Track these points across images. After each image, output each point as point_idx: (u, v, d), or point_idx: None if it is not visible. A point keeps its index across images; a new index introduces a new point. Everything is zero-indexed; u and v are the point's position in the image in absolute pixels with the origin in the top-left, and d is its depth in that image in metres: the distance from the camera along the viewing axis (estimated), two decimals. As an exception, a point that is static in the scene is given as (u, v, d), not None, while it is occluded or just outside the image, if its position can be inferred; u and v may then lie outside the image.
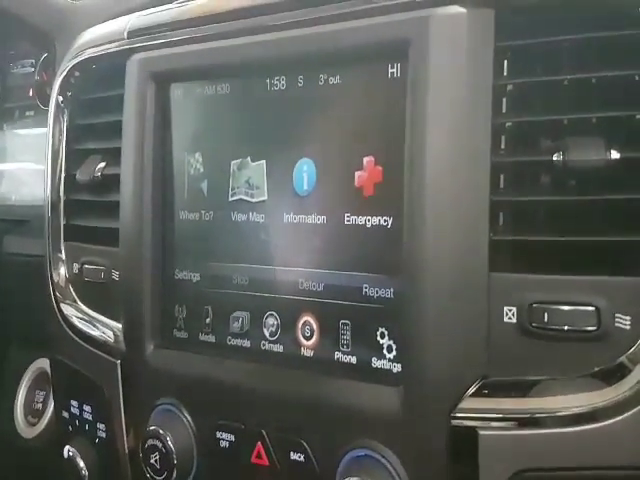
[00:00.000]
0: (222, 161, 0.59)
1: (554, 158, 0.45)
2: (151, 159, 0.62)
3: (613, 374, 0.43)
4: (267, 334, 0.56)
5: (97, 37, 0.72)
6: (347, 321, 0.52)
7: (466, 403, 0.46)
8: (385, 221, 0.50)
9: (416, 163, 0.47)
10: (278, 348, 0.56)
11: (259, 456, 0.54)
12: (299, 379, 0.53)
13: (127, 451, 0.64)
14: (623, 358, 0.42)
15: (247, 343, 0.57)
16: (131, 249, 0.63)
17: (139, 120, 0.63)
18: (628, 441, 0.41)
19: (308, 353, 0.54)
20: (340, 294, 0.52)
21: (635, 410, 0.41)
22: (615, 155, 0.43)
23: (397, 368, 0.49)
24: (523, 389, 0.45)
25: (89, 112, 0.73)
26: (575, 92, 0.46)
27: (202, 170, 0.60)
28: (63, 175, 0.73)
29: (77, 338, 0.69)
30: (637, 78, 0.44)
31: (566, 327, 0.43)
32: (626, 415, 0.41)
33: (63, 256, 0.73)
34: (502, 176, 0.47)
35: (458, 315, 0.46)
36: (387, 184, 0.50)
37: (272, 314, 0.56)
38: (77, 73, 0.74)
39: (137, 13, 0.68)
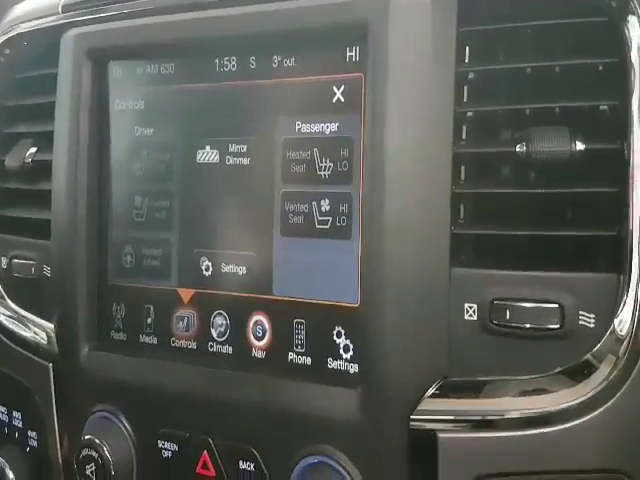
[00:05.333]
0: (165, 147, 0.55)
1: (517, 149, 0.43)
2: (86, 144, 0.57)
3: (578, 373, 0.41)
4: (215, 334, 0.53)
5: (29, 11, 0.67)
6: (302, 320, 0.49)
7: (425, 405, 0.44)
8: (343, 219, 0.47)
9: (375, 153, 0.45)
10: (227, 349, 0.52)
11: (205, 466, 0.50)
12: (249, 382, 0.49)
13: (61, 462, 0.59)
14: (588, 356, 0.41)
15: (193, 345, 0.53)
16: (64, 242, 0.58)
17: (74, 101, 0.57)
18: (594, 442, 0.40)
19: (260, 354, 0.51)
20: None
21: (600, 410, 0.40)
22: (580, 146, 0.42)
23: (354, 369, 0.47)
24: (484, 390, 0.43)
25: (20, 93, 0.67)
26: (538, 81, 0.44)
27: (143, 156, 0.56)
28: (-9, 161, 0.67)
29: (5, 339, 0.63)
30: (601, 68, 0.43)
31: (528, 325, 0.42)
32: (592, 415, 0.40)
33: (-10, 249, 0.67)
34: (464, 168, 0.45)
35: (418, 312, 0.44)
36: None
37: (221, 313, 0.52)
38: (7, 50, 0.68)
39: (73, -16, 0.63)
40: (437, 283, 0.44)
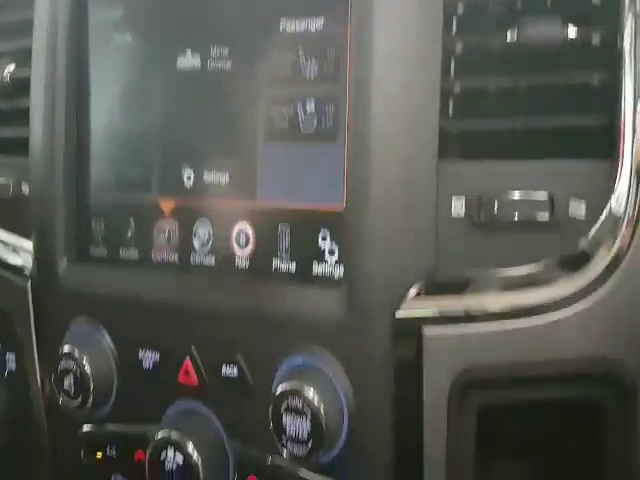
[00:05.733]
0: (145, 54, 0.53)
1: (508, 37, 0.42)
2: (65, 57, 0.55)
3: (571, 261, 0.40)
4: (197, 245, 0.51)
5: None
6: (286, 226, 0.48)
7: (411, 301, 0.43)
8: (328, 121, 0.46)
9: (362, 51, 0.43)
10: (210, 260, 0.51)
11: (187, 374, 0.49)
12: (232, 290, 0.48)
13: (39, 382, 0.57)
14: (581, 242, 0.40)
15: (175, 257, 0.52)
16: (42, 158, 0.56)
17: (52, 14, 0.55)
18: (587, 330, 0.39)
19: (243, 263, 0.50)
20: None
21: (593, 297, 0.39)
22: (571, 33, 0.41)
23: (339, 272, 0.46)
24: (472, 284, 0.42)
25: (-3, 10, 0.65)
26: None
27: (122, 66, 0.54)
28: (-33, 80, 0.65)
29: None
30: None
31: (517, 217, 0.41)
32: (584, 303, 0.39)
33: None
34: (453, 61, 0.44)
35: (404, 210, 0.43)
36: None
37: (203, 223, 0.51)
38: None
39: None
40: (425, 179, 0.43)
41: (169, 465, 0.46)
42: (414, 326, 0.42)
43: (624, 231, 0.38)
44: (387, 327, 0.43)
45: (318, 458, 0.43)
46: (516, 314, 0.40)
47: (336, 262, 0.46)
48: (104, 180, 0.55)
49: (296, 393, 0.43)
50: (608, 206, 0.39)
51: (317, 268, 0.47)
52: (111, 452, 0.53)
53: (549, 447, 0.46)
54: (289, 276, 0.48)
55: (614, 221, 0.39)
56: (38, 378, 0.57)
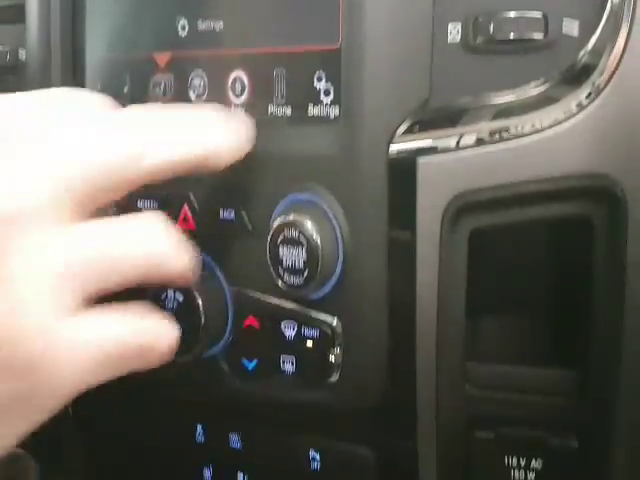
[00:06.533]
0: None
1: None
2: None
3: (570, 77, 0.40)
4: (193, 96, 0.51)
5: None
6: (282, 70, 0.48)
7: (405, 135, 0.42)
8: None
9: None
10: (205, 110, 0.51)
11: (185, 220, 0.50)
12: (228, 137, 0.49)
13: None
14: (580, 55, 0.39)
15: (170, 108, 0.52)
16: (38, 22, 0.55)
17: None
18: (581, 146, 0.39)
19: (239, 112, 0.50)
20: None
21: (588, 110, 0.39)
22: None
23: (335, 112, 0.46)
24: (466, 112, 0.42)
25: None
26: None
27: None
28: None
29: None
30: None
31: (512, 36, 0.40)
32: (579, 117, 0.39)
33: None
34: None
35: (400, 41, 0.43)
36: None
37: (198, 74, 0.51)
38: None
39: None
40: (420, 8, 0.42)
41: (169, 304, 0.48)
42: (408, 158, 0.42)
43: (621, 34, 0.37)
44: (381, 161, 0.43)
45: (313, 288, 0.44)
46: (510, 136, 0.40)
47: (331, 102, 0.46)
48: (99, 39, 0.54)
49: (293, 225, 0.43)
50: (607, 7, 0.38)
51: (313, 110, 0.47)
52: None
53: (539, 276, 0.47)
54: (285, 120, 0.48)
55: (613, 25, 0.38)
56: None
